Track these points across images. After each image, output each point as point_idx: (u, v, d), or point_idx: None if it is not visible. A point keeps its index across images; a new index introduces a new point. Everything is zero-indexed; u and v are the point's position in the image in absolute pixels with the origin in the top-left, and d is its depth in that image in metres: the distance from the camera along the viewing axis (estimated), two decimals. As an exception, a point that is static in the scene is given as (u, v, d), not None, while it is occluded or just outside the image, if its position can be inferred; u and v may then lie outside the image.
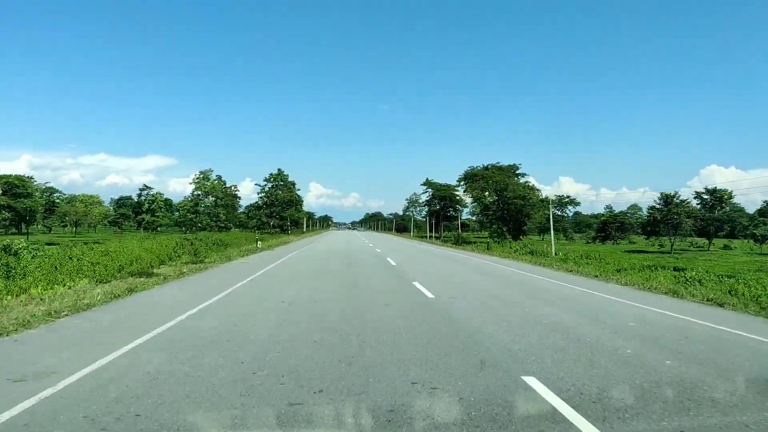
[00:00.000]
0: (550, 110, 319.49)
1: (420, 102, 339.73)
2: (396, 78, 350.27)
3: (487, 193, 72.89)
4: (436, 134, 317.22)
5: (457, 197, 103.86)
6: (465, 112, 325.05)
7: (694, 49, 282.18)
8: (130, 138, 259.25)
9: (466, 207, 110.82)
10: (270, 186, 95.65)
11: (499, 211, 70.85)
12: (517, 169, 73.53)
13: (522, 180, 73.08)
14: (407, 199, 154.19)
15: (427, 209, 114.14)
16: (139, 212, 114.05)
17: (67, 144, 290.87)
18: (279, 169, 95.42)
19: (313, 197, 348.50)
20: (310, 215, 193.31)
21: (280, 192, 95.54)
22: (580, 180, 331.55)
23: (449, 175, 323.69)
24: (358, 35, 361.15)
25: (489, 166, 74.43)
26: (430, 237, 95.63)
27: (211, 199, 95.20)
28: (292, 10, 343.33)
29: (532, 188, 71.40)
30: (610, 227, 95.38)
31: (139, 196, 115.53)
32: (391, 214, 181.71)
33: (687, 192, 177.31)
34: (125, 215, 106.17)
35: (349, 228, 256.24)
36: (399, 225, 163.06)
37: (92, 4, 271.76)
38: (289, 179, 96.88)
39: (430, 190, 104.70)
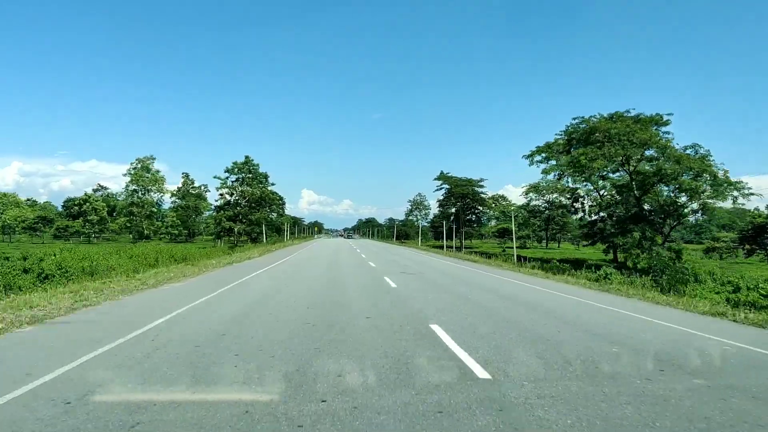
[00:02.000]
0: (549, 114, 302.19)
1: (412, 111, 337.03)
2: (388, 87, 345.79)
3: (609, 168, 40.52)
4: (427, 142, 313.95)
5: (481, 195, 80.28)
6: (456, 121, 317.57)
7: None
8: (121, 144, 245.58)
9: (491, 209, 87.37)
10: (234, 180, 71.50)
11: (632, 207, 39.26)
12: (662, 120, 39.07)
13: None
14: (410, 201, 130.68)
15: (439, 211, 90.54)
16: (77, 216, 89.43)
17: (58, 150, 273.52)
18: (247, 157, 71.37)
19: (305, 204, 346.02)
20: (296, 220, 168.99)
21: (248, 187, 71.36)
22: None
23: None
24: (352, 44, 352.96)
25: (612, 116, 40.34)
26: (449, 249, 71.67)
27: (156, 196, 71.11)
28: (287, 20, 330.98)
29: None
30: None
31: (86, 199, 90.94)
32: (388, 220, 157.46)
33: None
34: (45, 219, 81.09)
35: (341, 235, 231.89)
36: (400, 232, 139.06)
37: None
38: (261, 170, 72.58)
39: (445, 185, 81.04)
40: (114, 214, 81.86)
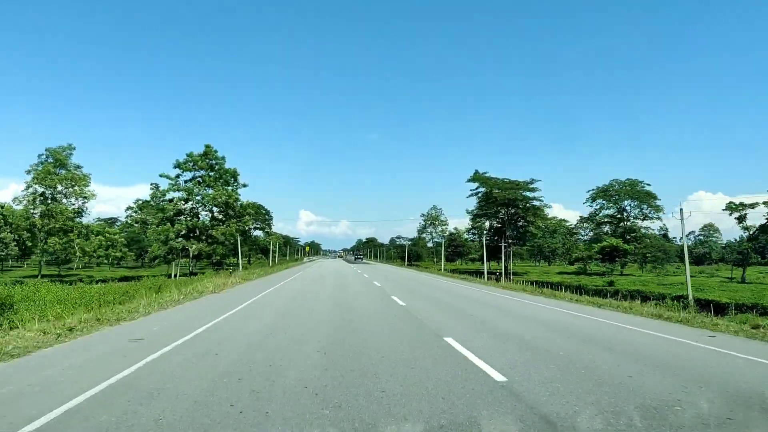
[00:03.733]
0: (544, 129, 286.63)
1: (408, 131, 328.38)
2: (384, 108, 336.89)
3: None
4: (424, 162, 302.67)
5: (533, 203, 58.82)
6: (454, 141, 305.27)
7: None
8: (120, 166, 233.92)
9: (543, 222, 65.87)
10: (188, 180, 50.05)
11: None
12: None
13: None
14: (424, 216, 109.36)
15: (472, 224, 69.22)
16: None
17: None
18: (207, 147, 49.98)
19: (303, 224, 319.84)
20: (288, 240, 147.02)
21: (209, 190, 49.98)
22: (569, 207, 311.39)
23: (448, 197, 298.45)
24: (347, 64, 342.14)
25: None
26: (490, 277, 50.33)
27: (75, 203, 49.45)
28: (281, 40, 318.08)
29: None
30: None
31: None
32: (398, 238, 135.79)
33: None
34: None
35: (341, 256, 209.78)
36: (410, 252, 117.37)
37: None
38: (226, 164, 51.05)
39: (482, 189, 59.75)
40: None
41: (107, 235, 61.88)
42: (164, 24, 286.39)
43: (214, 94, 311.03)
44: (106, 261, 63.90)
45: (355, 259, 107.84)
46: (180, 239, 47.83)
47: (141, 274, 55.84)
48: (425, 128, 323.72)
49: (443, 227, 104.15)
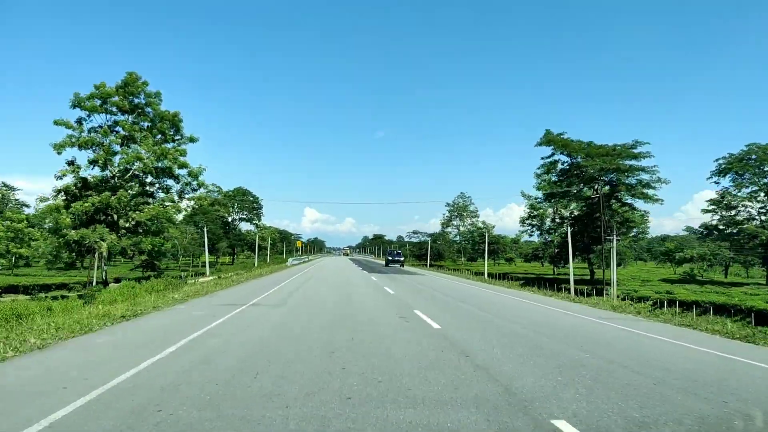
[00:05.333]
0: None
1: (416, 130, 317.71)
2: (393, 106, 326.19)
3: None
4: (431, 161, 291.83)
5: (639, 175, 38.52)
6: (462, 140, 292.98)
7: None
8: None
9: (648, 203, 45.20)
10: (98, 127, 30.31)
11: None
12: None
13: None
14: (449, 205, 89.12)
15: (533, 211, 49.28)
16: None
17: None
18: (129, 74, 30.14)
19: (308, 222, 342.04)
20: (286, 236, 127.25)
21: (135, 146, 30.34)
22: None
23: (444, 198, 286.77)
24: (355, 63, 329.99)
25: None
26: (583, 291, 29.87)
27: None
28: (289, 39, 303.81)
29: None
30: None
31: None
32: (415, 233, 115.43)
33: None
34: None
35: (346, 254, 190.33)
36: (432, 250, 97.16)
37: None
38: (163, 106, 31.22)
39: (560, 157, 39.70)
40: None
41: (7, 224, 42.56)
42: (163, 19, 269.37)
43: (211, 89, 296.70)
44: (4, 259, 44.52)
45: (391, 261, 66.64)
46: (80, 230, 28.24)
47: (43, 280, 36.63)
48: (434, 127, 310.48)
49: (473, 219, 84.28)
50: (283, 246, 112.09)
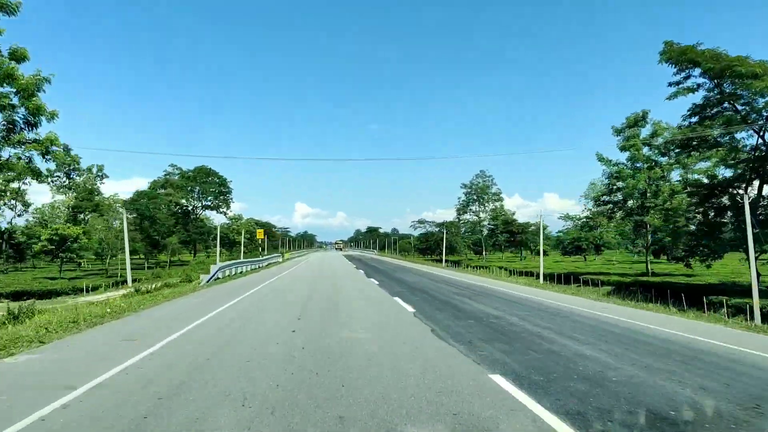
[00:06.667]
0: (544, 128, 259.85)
1: (411, 122, 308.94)
2: (387, 98, 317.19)
3: None
4: (426, 154, 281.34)
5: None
6: (456, 134, 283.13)
7: None
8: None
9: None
10: None
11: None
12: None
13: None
14: (465, 187, 71.64)
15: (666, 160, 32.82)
16: None
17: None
18: None
19: (299, 217, 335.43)
20: (268, 228, 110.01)
21: None
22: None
23: (445, 197, 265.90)
24: (350, 56, 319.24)
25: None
26: None
27: None
28: (282, 28, 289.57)
29: None
30: None
31: None
32: (421, 223, 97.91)
33: None
34: None
35: (339, 248, 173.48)
36: (439, 242, 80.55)
37: None
38: None
39: (699, 79, 23.34)
40: None
41: None
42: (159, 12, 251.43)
43: (207, 84, 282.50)
44: None
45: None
46: None
47: None
48: (429, 121, 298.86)
49: (497, 203, 67.60)
50: (265, 242, 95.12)
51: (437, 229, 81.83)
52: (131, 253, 54.09)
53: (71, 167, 75.87)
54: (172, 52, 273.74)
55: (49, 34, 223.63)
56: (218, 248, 44.02)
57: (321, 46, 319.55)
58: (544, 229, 65.15)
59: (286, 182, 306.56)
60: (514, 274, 42.78)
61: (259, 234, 58.49)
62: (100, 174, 74.98)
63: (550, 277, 35.63)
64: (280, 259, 57.18)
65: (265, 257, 47.65)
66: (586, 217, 44.37)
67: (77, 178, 72.28)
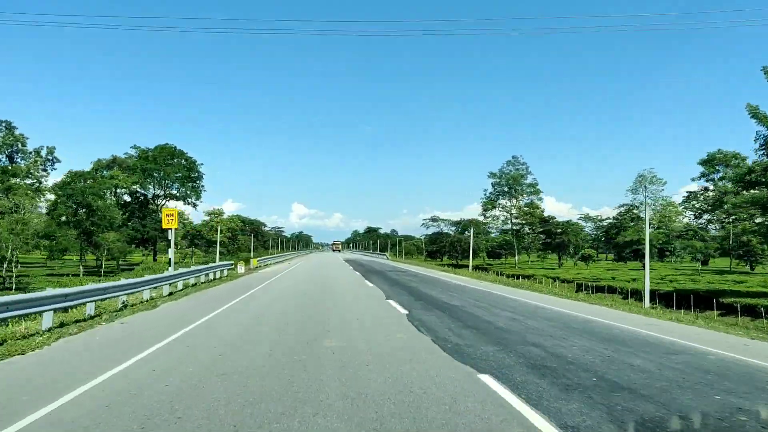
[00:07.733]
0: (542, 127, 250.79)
1: (404, 124, 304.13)
2: (380, 99, 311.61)
3: None
4: (420, 155, 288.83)
5: None
6: (450, 135, 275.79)
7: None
8: None
9: None
10: None
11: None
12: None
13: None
14: (493, 176, 58.06)
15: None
16: None
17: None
18: None
19: (296, 217, 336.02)
20: (256, 227, 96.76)
21: None
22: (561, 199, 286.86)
23: (442, 197, 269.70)
24: (342, 57, 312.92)
25: None
26: None
27: None
28: (275, 32, 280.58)
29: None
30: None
31: None
32: (434, 221, 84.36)
33: None
34: None
35: (337, 249, 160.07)
36: (462, 245, 67.46)
37: None
38: None
39: None
40: None
41: None
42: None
43: (201, 80, 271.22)
44: None
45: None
46: None
47: None
48: (422, 121, 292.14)
49: (533, 196, 54.34)
50: (251, 241, 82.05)
51: (454, 228, 68.87)
52: (61, 251, 40.91)
53: (13, 148, 62.70)
54: (173, 54, 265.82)
55: None
56: (172, 248, 30.45)
57: (321, 46, 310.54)
58: (647, 229, 52.78)
59: (283, 182, 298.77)
60: (584, 289, 29.83)
61: (227, 228, 44.81)
62: (50, 157, 61.92)
63: (655, 297, 23.00)
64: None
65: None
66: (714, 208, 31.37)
67: (21, 162, 59.31)
